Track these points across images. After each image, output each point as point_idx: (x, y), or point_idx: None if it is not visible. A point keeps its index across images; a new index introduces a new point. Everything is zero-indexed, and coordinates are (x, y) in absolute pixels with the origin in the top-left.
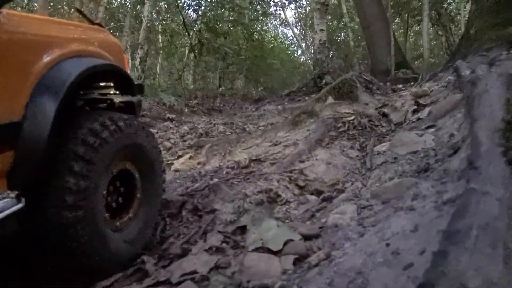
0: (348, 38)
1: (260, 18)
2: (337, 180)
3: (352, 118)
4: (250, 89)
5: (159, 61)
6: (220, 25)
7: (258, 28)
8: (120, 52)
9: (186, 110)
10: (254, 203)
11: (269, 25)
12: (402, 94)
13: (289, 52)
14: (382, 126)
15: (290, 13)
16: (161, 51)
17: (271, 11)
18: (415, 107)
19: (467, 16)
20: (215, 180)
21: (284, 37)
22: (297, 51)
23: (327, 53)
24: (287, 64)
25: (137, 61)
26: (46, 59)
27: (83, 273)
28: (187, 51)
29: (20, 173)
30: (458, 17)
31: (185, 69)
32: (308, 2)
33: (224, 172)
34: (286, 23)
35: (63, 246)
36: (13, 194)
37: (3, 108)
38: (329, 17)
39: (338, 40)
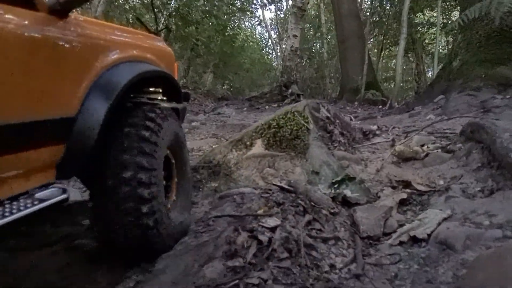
0: (323, 50)
1: (236, 13)
2: None
3: (274, 224)
4: (217, 85)
5: None
6: (192, 13)
7: (233, 25)
8: (172, 61)
9: None
10: None
11: (246, 23)
12: (378, 150)
13: (263, 53)
14: (339, 249)
15: (269, 15)
16: None
17: (249, 8)
18: (403, 195)
19: (440, 47)
20: None
21: (260, 38)
22: (271, 54)
23: (297, 61)
24: (259, 66)
25: None
26: (104, 61)
27: (153, 250)
28: None
29: (68, 166)
30: (430, 47)
31: None
32: (288, 7)
33: None
34: (263, 24)
35: (140, 222)
36: (60, 185)
37: (59, 103)
38: (306, 25)
39: (313, 50)
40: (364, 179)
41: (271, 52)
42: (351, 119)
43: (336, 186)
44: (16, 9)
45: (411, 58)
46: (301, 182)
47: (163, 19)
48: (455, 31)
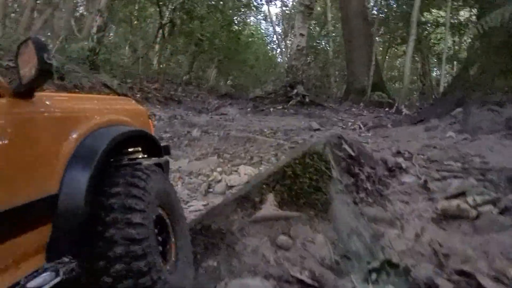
0: (329, 47)
1: (242, 9)
2: None
3: None
4: (221, 82)
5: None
6: (197, 8)
7: (239, 19)
8: (145, 118)
9: (139, 95)
10: None
11: (251, 18)
12: (411, 196)
13: (268, 49)
14: None
15: (275, 10)
16: (126, 23)
17: (255, 4)
18: None
19: (452, 50)
20: None
21: (264, 34)
22: (276, 50)
23: (304, 60)
24: (263, 63)
25: (94, 30)
26: (78, 132)
27: None
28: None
29: (58, 245)
30: (436, 48)
31: (151, 50)
32: (294, 3)
33: None
34: (268, 19)
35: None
36: (51, 269)
37: (39, 183)
38: (313, 22)
39: (318, 47)
40: (404, 250)
41: (275, 48)
42: (360, 128)
43: (374, 277)
44: None
45: (416, 58)
46: (328, 273)
47: (167, 13)
48: (470, 35)
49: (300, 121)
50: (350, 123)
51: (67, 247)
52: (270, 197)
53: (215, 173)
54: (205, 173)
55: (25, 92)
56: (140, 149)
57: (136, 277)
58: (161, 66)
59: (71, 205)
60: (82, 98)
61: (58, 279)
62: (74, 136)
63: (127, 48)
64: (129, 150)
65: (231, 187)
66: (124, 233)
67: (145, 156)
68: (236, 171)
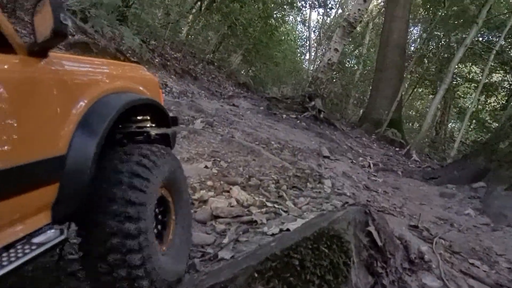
0: (356, 69)
1: (285, 6)
2: None
3: None
4: (243, 70)
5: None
6: None
7: (278, 15)
8: (156, 87)
9: (157, 60)
10: None
11: (291, 17)
12: None
13: (297, 52)
14: None
15: (316, 16)
16: None
17: (298, 5)
18: None
19: (475, 108)
20: None
21: (298, 36)
22: (304, 55)
23: (330, 76)
24: (289, 64)
25: None
26: (89, 96)
27: None
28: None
29: (64, 205)
30: (459, 100)
31: (184, 19)
32: (337, 15)
33: None
34: (306, 23)
35: (126, 260)
36: (56, 227)
37: (48, 143)
38: (349, 40)
39: (346, 65)
40: None
41: (305, 53)
42: (369, 166)
43: None
44: None
45: (438, 106)
46: None
47: None
48: None
49: (310, 140)
50: (360, 158)
51: (72, 207)
52: None
53: (202, 191)
54: (191, 184)
55: (39, 51)
56: (148, 118)
57: (124, 237)
58: (188, 37)
59: (78, 167)
60: (95, 63)
61: (62, 237)
62: (85, 100)
63: (161, 9)
64: (138, 118)
65: (216, 217)
66: (125, 194)
67: (153, 125)
68: (228, 191)
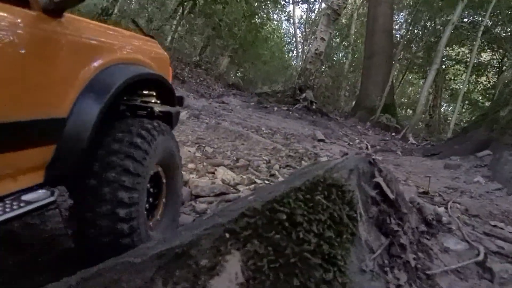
0: (345, 60)
1: (268, 3)
2: None
3: None
4: (231, 71)
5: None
6: None
7: (262, 13)
8: (167, 64)
9: None
10: None
11: (275, 15)
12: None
13: (284, 49)
14: None
15: (299, 13)
16: None
17: (281, 2)
18: None
19: (466, 89)
20: None
21: (284, 33)
22: (292, 53)
23: (319, 66)
24: (277, 62)
25: None
26: (98, 62)
27: None
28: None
29: (58, 167)
30: (450, 82)
31: (167, 24)
32: (320, 9)
33: None
34: (291, 20)
35: (115, 227)
36: (48, 188)
37: (51, 103)
38: (335, 33)
39: (334, 58)
40: None
41: (292, 50)
42: (367, 148)
43: None
44: (9, 7)
45: (429, 90)
46: None
47: None
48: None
49: (304, 127)
50: (356, 141)
51: (66, 170)
52: (234, 263)
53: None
54: None
55: (54, 10)
56: (154, 94)
57: (116, 206)
58: (173, 43)
59: (77, 131)
60: (110, 30)
61: (52, 199)
62: (94, 65)
63: (147, 15)
64: (144, 92)
65: (197, 197)
66: (120, 166)
67: (158, 102)
68: (212, 172)
